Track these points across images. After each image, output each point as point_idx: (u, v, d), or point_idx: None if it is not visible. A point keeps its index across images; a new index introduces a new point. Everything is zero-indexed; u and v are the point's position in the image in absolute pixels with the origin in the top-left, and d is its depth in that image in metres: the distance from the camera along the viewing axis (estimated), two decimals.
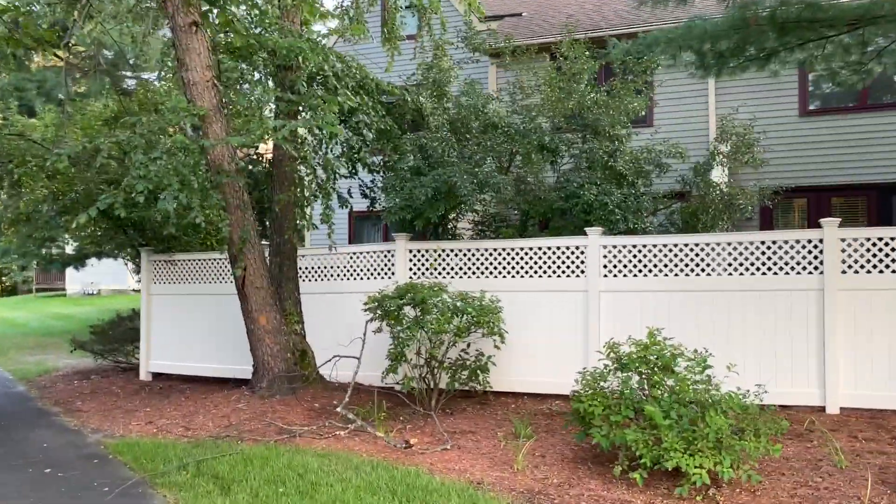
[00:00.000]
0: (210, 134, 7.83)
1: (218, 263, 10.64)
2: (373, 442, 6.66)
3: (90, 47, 14.94)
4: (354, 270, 9.66)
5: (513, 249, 8.78)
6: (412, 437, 6.86)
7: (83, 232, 11.42)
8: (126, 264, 27.08)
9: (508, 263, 8.76)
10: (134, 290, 33.30)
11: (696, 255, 7.99)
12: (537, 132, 9.33)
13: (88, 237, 11.18)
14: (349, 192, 9.96)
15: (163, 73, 12.57)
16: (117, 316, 12.66)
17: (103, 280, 34.08)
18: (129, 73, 17.95)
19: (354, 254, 9.72)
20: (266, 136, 7.49)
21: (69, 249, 21.60)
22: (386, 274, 9.39)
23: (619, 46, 8.48)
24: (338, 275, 9.78)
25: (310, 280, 9.93)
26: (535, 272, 8.66)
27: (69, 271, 30.58)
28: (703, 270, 7.97)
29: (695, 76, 8.54)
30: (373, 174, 10.56)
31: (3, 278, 45.97)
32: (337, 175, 8.67)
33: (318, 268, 9.98)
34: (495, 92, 12.55)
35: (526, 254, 8.70)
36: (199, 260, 10.82)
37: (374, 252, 9.57)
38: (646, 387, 5.69)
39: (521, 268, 8.71)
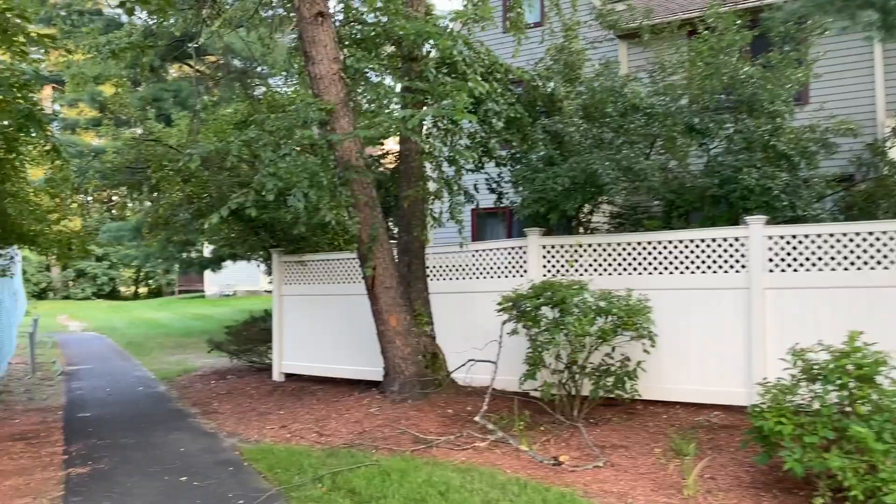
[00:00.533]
0: (337, 129, 7.52)
1: (347, 263, 10.42)
2: (515, 456, 6.07)
3: (219, 52, 15.29)
4: (483, 269, 9.11)
5: (659, 243, 7.91)
6: (557, 450, 6.21)
7: (217, 235, 11.57)
8: (258, 266, 27.97)
9: (655, 258, 7.91)
10: (266, 291, 34.56)
11: (885, 244, 6.82)
12: (683, 113, 8.41)
13: (223, 240, 11.31)
14: (475, 188, 9.43)
15: (288, 78, 12.57)
16: (250, 317, 12.80)
17: (238, 282, 35.58)
18: (257, 81, 18.38)
19: (483, 251, 9.16)
20: (394, 129, 7.08)
21: (206, 253, 22.52)
22: (517, 272, 8.78)
23: (783, 7, 7.42)
24: (465, 273, 9.27)
25: (436, 279, 9.48)
26: (686, 268, 7.76)
27: (207, 274, 32.12)
28: (893, 263, 6.79)
29: (870, 40, 7.36)
30: (499, 167, 9.99)
31: (150, 281, 49.30)
32: (464, 169, 8.15)
33: (444, 266, 9.51)
34: (628, 73, 11.64)
35: (675, 247, 7.81)
36: (329, 260, 10.66)
37: (505, 249, 8.97)
38: (845, 402, 4.75)
39: (670, 263, 7.84)
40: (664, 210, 9.37)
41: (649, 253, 7.96)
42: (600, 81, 9.20)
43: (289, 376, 11.31)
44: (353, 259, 10.31)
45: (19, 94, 6.13)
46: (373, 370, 9.66)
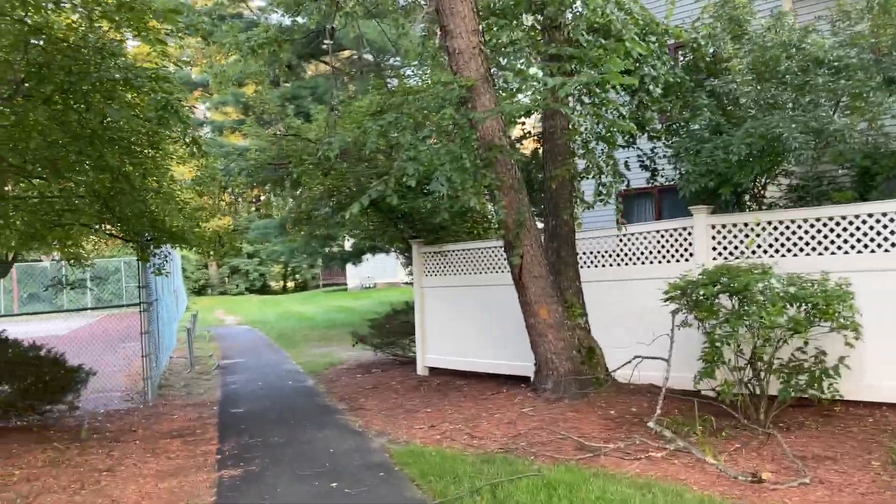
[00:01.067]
0: (478, 107, 6.94)
1: (489, 252, 9.86)
2: (699, 468, 5.22)
3: (353, 42, 15.20)
4: (639, 253, 8.22)
5: (857, 217, 6.69)
6: (749, 461, 5.30)
7: (357, 228, 11.40)
8: (397, 258, 28.17)
9: (852, 235, 6.71)
10: (405, 282, 34.93)
11: None
12: (884, 63, 7.09)
13: (362, 232, 11.10)
14: (626, 165, 8.54)
15: (422, 66, 12.15)
16: (392, 310, 12.58)
17: (378, 274, 36.24)
18: (390, 73, 18.27)
19: (639, 234, 8.27)
20: (541, 101, 6.38)
21: (347, 246, 22.86)
22: (681, 256, 7.83)
23: None
24: (619, 259, 8.42)
25: (585, 266, 8.69)
26: (894, 245, 6.51)
27: (348, 267, 32.92)
28: None
29: None
30: (652, 141, 9.01)
31: (297, 276, 51.55)
32: (616, 144, 7.31)
33: (594, 252, 8.71)
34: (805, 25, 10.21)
35: (879, 221, 6.57)
36: (470, 249, 10.14)
37: (666, 231, 8.03)
38: None
39: (871, 240, 6.61)
40: (855, 179, 8.04)
41: (844, 229, 6.77)
42: (771, 36, 8.00)
43: (432, 370, 10.94)
44: (496, 247, 9.74)
45: (157, 86, 6.01)
46: (520, 365, 9.06)
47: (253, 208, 47.16)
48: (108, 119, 6.45)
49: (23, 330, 14.21)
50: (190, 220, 8.06)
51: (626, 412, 6.93)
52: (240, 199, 13.78)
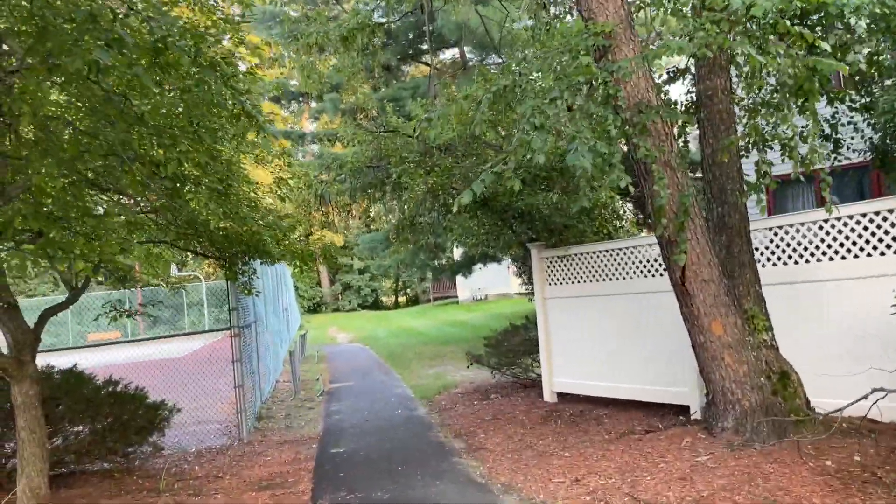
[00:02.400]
0: (619, 58, 5.20)
1: (627, 254, 8.05)
2: None
3: (454, 33, 13.78)
4: (833, 246, 6.16)
5: None
6: None
7: (467, 235, 9.83)
8: (508, 268, 26.42)
9: None
10: (517, 293, 33.18)
11: None
12: None
13: (473, 238, 9.51)
14: (801, 137, 6.50)
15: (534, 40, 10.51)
16: (510, 325, 10.92)
17: (489, 285, 34.73)
18: (493, 69, 16.75)
19: (835, 220, 6.20)
20: (714, 36, 4.55)
21: (456, 256, 21.47)
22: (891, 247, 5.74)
23: None
24: (803, 254, 6.38)
25: (761, 265, 6.69)
26: None
27: (458, 279, 31.58)
28: None
29: None
30: (833, 105, 6.91)
31: (407, 290, 50.95)
32: (818, 94, 5.33)
33: (775, 246, 6.70)
34: None
35: None
36: (601, 252, 8.35)
37: (877, 214, 5.94)
38: None
39: None
40: None
41: None
42: None
43: (561, 396, 9.20)
44: (634, 248, 7.92)
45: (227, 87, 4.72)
46: (676, 391, 7.19)
47: (359, 222, 46.98)
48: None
49: (143, 352, 13.68)
50: (270, 228, 6.77)
51: (848, 463, 4.92)
52: (338, 210, 12.55)
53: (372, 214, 47.58)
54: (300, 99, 20.14)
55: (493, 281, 33.56)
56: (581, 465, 5.90)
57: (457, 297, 38.34)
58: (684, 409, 7.26)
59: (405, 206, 9.61)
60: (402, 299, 51.48)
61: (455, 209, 4.57)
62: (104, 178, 5.53)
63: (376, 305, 47.30)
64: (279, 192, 7.16)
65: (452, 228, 9.39)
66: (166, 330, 33.83)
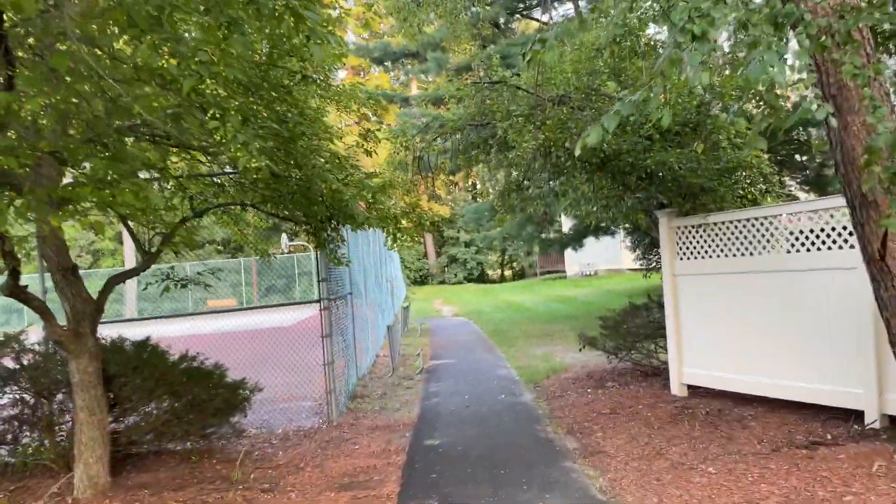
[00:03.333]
0: None
1: (783, 222, 6.53)
2: None
3: None
4: None
5: None
6: None
7: (581, 203, 8.50)
8: (622, 241, 24.58)
9: None
10: (630, 269, 31.27)
11: None
12: None
13: (588, 202, 8.18)
14: None
15: None
16: (629, 304, 9.55)
17: (599, 260, 32.96)
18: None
19: None
20: None
21: (565, 229, 20.07)
22: None
23: None
24: None
25: None
26: None
27: (567, 253, 30.05)
28: None
29: None
30: None
31: (513, 264, 49.76)
32: None
33: None
34: None
35: None
36: (751, 220, 6.85)
37: None
38: None
39: None
40: None
41: None
42: None
43: (692, 389, 7.81)
44: (795, 215, 6.40)
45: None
46: (841, 392, 5.74)
47: (465, 194, 46.04)
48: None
49: (255, 320, 13.33)
50: (354, 186, 5.80)
51: None
52: (439, 176, 11.51)
53: (477, 184, 46.56)
54: (404, 61, 19.11)
55: (604, 255, 31.74)
56: (733, 489, 4.59)
57: (564, 271, 36.79)
58: (852, 415, 5.75)
59: (511, 168, 8.42)
60: (507, 273, 50.36)
61: (578, 152, 3.35)
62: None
63: (482, 279, 46.45)
64: (366, 147, 6.17)
65: (565, 193, 8.11)
66: (279, 299, 34.47)
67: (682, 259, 7.78)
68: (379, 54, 19.15)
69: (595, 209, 7.82)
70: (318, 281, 7.85)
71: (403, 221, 6.74)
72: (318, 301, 7.87)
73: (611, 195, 7.74)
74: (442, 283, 45.18)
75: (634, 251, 24.32)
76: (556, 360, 11.33)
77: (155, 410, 6.14)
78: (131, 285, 33.25)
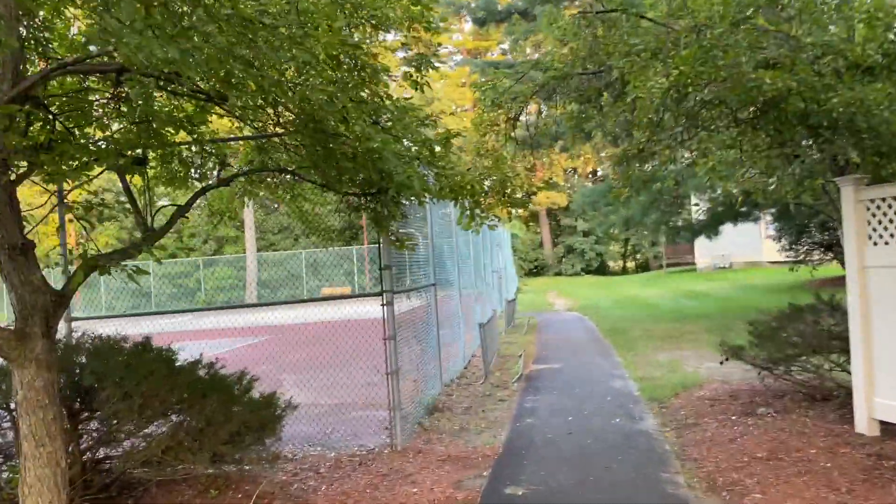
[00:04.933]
0: None
1: None
2: None
3: None
4: None
5: None
6: None
7: (730, 170, 6.33)
8: (766, 228, 21.40)
9: None
10: (771, 262, 27.73)
11: None
12: None
13: (742, 164, 6.00)
14: None
15: None
16: (789, 306, 7.26)
17: (735, 251, 29.57)
18: None
19: None
20: None
21: (698, 215, 17.46)
22: None
23: None
24: None
25: None
26: None
27: (698, 243, 26.99)
28: None
29: None
30: None
31: (637, 255, 46.53)
32: None
33: None
34: None
35: None
36: None
37: None
38: None
39: None
40: None
41: None
42: None
43: (886, 426, 5.53)
44: None
45: None
46: None
47: (585, 180, 43.28)
48: None
49: (365, 310, 12.10)
50: (397, 140, 4.09)
51: None
52: (543, 149, 9.64)
53: (598, 171, 43.66)
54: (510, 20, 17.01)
55: (741, 246, 28.38)
56: None
57: (694, 263, 33.47)
58: None
59: (632, 127, 6.40)
60: (629, 265, 47.23)
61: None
62: None
63: (601, 270, 43.67)
64: (414, 77, 4.39)
65: (705, 155, 5.99)
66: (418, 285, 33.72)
67: (875, 245, 5.48)
68: (481, 13, 17.06)
69: (753, 174, 5.64)
70: (381, 269, 6.24)
71: (476, 189, 4.94)
72: (381, 294, 6.25)
73: (773, 155, 5.55)
74: (558, 274, 42.86)
75: (780, 240, 21.12)
76: (686, 372, 9.15)
77: (156, 432, 4.76)
78: (252, 270, 33.68)
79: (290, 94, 3.33)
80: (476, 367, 10.43)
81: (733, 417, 6.63)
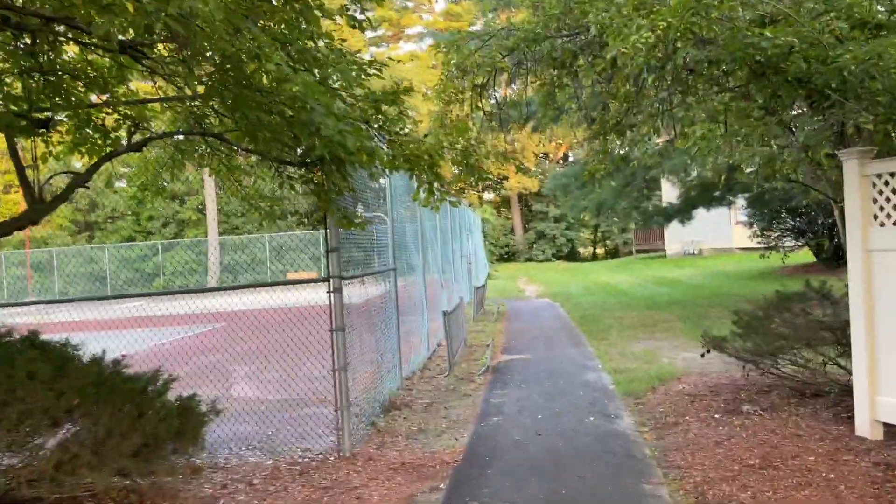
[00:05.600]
0: None
1: None
2: None
3: None
4: None
5: None
6: None
7: (717, 140, 5.67)
8: (737, 214, 21.02)
9: None
10: (741, 248, 27.49)
11: None
12: None
13: (736, 135, 5.32)
14: None
15: None
16: (776, 296, 6.67)
17: (704, 237, 29.29)
18: None
19: None
20: None
21: (670, 198, 16.93)
22: None
23: None
24: None
25: None
26: None
27: (669, 229, 26.59)
28: None
29: None
30: None
31: (607, 241, 46.27)
32: None
33: None
34: None
35: None
36: None
37: None
38: None
39: None
40: None
41: None
42: None
43: (890, 427, 4.95)
44: None
45: None
46: None
47: (557, 167, 42.74)
48: None
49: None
50: (325, 87, 3.32)
51: None
52: (514, 125, 8.99)
53: (570, 156, 43.18)
54: None
55: (710, 232, 28.09)
56: None
57: (664, 249, 33.17)
58: None
59: (611, 90, 5.69)
60: (599, 251, 46.96)
61: None
62: None
63: (572, 256, 43.29)
64: (353, 13, 3.60)
65: (691, 124, 5.30)
66: (360, 271, 32.86)
67: (882, 225, 4.87)
68: None
69: (750, 141, 4.96)
70: (326, 252, 5.45)
71: (434, 159, 4.20)
72: (327, 280, 5.48)
73: (772, 122, 4.88)
74: (529, 260, 42.36)
75: (751, 226, 20.73)
76: (663, 362, 8.57)
77: (47, 444, 3.95)
78: (214, 254, 32.50)
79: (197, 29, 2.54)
80: (441, 358, 9.71)
81: (717, 416, 6.01)
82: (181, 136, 4.95)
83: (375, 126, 4.06)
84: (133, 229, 35.39)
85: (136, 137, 4.67)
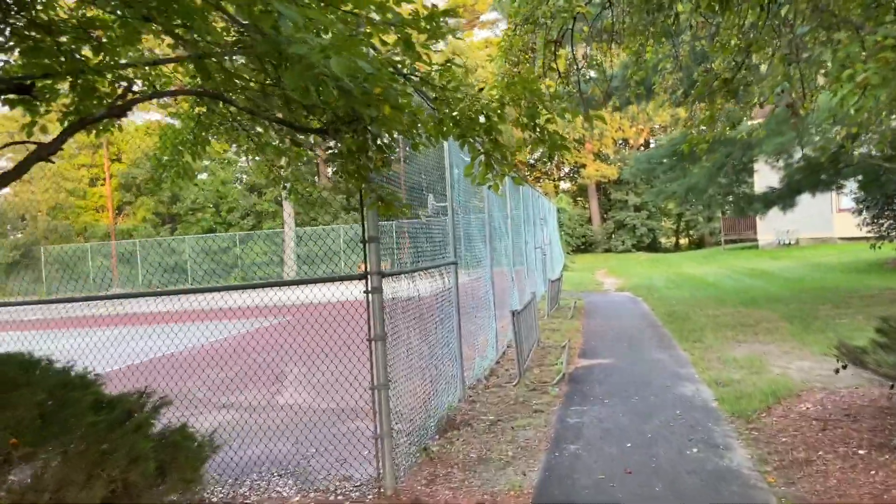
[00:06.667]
0: None
1: None
2: None
3: None
4: None
5: None
6: None
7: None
8: (839, 201, 18.75)
9: None
10: (842, 238, 24.94)
11: None
12: None
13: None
14: None
15: None
16: None
17: (801, 226, 26.78)
18: None
19: None
20: None
21: (758, 184, 15.08)
22: None
23: None
24: None
25: None
26: None
27: (763, 218, 24.33)
28: None
29: None
30: None
31: (691, 232, 43.72)
32: None
33: None
34: None
35: None
36: None
37: None
38: None
39: None
40: None
41: None
42: None
43: None
44: None
45: None
46: None
47: (634, 150, 40.50)
48: None
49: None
50: (356, 41, 2.24)
51: None
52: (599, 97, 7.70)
53: (651, 142, 40.81)
54: None
55: (808, 222, 25.62)
56: None
57: (755, 239, 30.68)
58: None
59: (720, 37, 4.36)
60: (683, 241, 44.42)
61: None
62: None
63: (653, 247, 41.03)
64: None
65: (845, 73, 3.91)
66: (428, 264, 32.09)
67: None
68: None
69: None
70: (364, 242, 4.39)
71: (493, 122, 3.08)
72: (364, 277, 4.41)
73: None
74: (608, 250, 40.41)
75: (861, 213, 18.44)
76: (774, 373, 7.10)
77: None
78: (290, 245, 32.40)
79: None
80: (511, 362, 8.55)
81: (860, 451, 4.62)
82: (168, 98, 3.98)
83: (409, 73, 2.96)
84: (214, 220, 35.78)
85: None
